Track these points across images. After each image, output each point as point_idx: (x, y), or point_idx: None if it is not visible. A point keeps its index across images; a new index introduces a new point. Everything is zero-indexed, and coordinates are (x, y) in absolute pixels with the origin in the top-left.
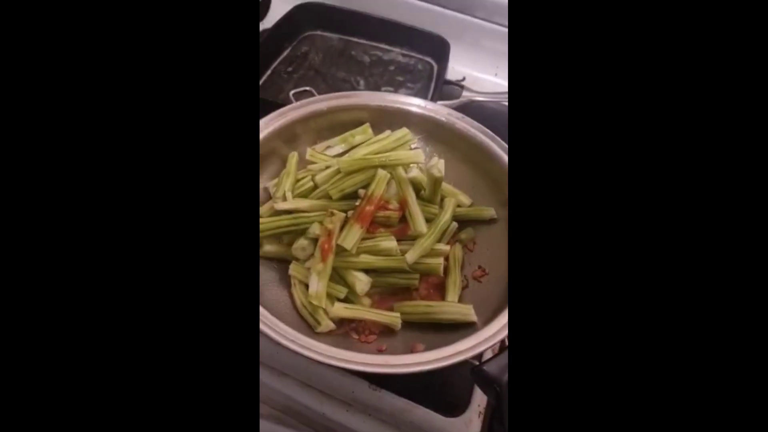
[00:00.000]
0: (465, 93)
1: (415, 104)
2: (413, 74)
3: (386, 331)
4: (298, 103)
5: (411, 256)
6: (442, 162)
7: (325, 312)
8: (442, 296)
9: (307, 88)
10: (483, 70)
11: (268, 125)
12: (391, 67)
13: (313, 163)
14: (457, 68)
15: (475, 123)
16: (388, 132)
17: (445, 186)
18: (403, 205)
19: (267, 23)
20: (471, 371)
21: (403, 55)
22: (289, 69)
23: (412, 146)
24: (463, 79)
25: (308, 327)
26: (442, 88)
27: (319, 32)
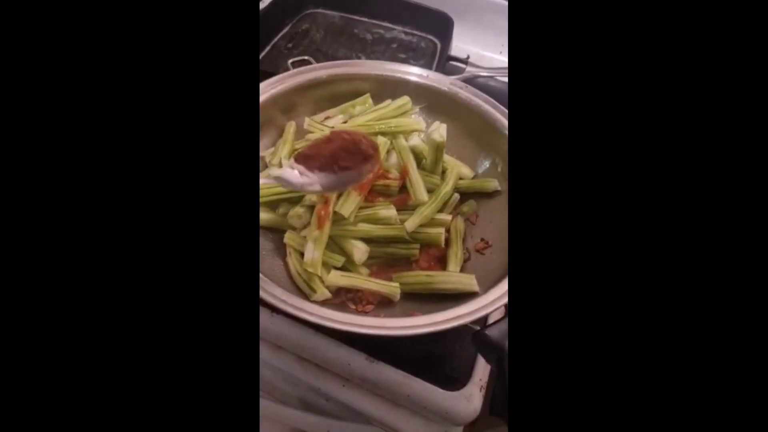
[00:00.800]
0: (469, 68)
1: (417, 73)
2: (416, 52)
3: (384, 301)
4: (296, 70)
5: (410, 224)
6: (443, 126)
7: (321, 280)
8: (443, 268)
9: (306, 57)
10: (488, 48)
11: (264, 92)
12: (394, 45)
13: (311, 132)
14: (461, 46)
15: (479, 93)
16: (388, 101)
17: (448, 158)
18: (403, 174)
19: None
20: (472, 337)
21: (406, 33)
22: (289, 45)
23: (413, 116)
24: (468, 57)
25: (304, 296)
26: (446, 66)
27: (320, 10)
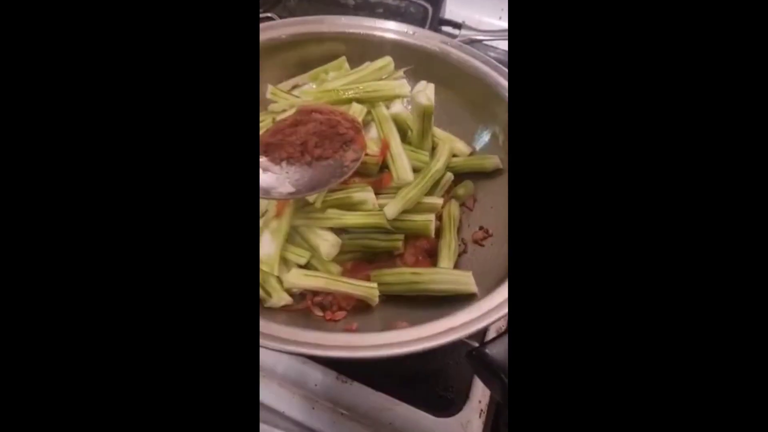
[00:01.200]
0: (463, 32)
1: (401, 31)
2: (404, 17)
3: (360, 306)
4: None
5: (391, 209)
6: (431, 87)
7: (279, 281)
8: (433, 264)
9: (270, 14)
10: (486, 13)
11: None
12: (379, 10)
13: (273, 103)
14: (455, 11)
15: (476, 52)
16: (366, 63)
17: (439, 131)
18: (383, 149)
19: None
20: (467, 355)
21: None
22: (260, 10)
23: (396, 80)
24: (462, 22)
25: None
26: (438, 31)
27: None
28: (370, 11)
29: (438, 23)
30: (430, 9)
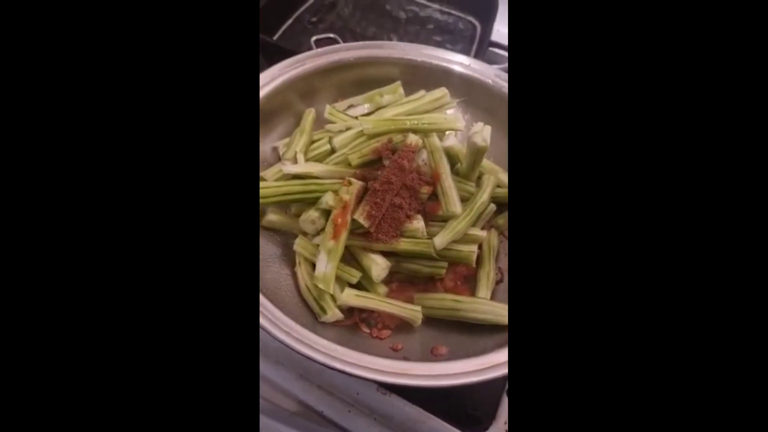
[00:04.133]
0: None
1: (457, 61)
2: (453, 35)
3: (403, 325)
4: (319, 50)
5: (440, 241)
6: (488, 129)
7: (333, 298)
8: (470, 290)
9: (332, 35)
10: None
11: (281, 74)
12: (429, 26)
13: (332, 123)
14: (504, 30)
15: None
16: (422, 92)
17: (485, 162)
18: (435, 179)
19: None
20: (507, 391)
21: (442, 12)
22: (314, 19)
23: (449, 111)
24: None
25: (311, 314)
26: (486, 52)
27: None
28: (421, 26)
29: (488, 45)
30: (479, 26)
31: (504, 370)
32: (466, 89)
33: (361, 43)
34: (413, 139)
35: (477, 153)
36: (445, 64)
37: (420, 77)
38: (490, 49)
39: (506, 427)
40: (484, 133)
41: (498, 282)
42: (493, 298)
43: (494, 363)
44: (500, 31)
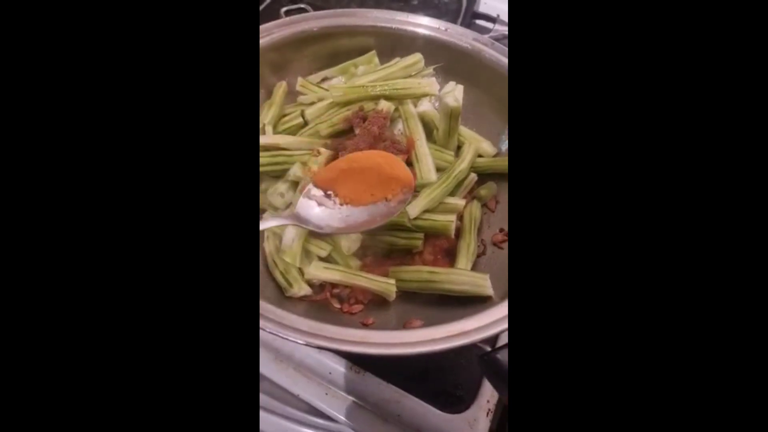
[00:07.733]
0: (497, 26)
1: (433, 26)
2: (437, 8)
3: (377, 301)
4: (287, 19)
5: (414, 208)
6: (460, 88)
7: (301, 272)
8: (451, 263)
9: (303, 5)
10: None
11: None
12: (414, 2)
13: (303, 95)
14: (491, 3)
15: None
16: (396, 59)
17: (465, 131)
18: (409, 146)
19: None
20: (479, 359)
21: None
22: None
23: (425, 78)
24: (498, 16)
25: (279, 289)
26: (471, 25)
27: None
28: (405, 2)
29: (472, 16)
30: (465, 1)
31: (473, 337)
32: (443, 55)
33: (331, 11)
34: (384, 105)
35: (451, 115)
36: (420, 30)
37: (396, 45)
38: (477, 21)
39: (489, 406)
40: (456, 92)
41: (480, 254)
42: (475, 269)
43: (463, 330)
44: (488, 3)
